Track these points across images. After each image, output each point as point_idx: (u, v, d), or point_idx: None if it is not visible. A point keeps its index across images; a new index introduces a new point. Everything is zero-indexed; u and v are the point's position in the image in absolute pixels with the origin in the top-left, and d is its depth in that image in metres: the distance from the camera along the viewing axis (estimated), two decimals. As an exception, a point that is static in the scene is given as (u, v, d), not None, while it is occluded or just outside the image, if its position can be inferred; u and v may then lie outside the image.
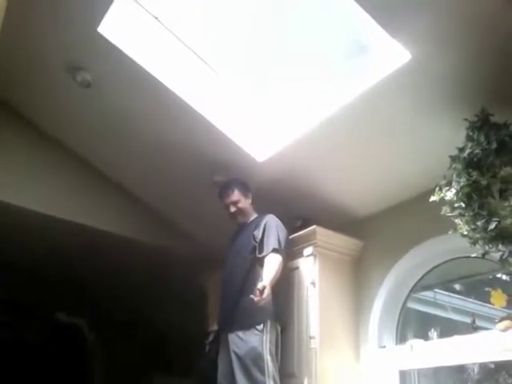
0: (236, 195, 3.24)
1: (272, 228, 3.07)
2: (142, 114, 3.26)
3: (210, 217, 3.85)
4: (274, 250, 2.96)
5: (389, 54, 2.42)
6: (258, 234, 3.08)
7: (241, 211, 3.24)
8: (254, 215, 3.29)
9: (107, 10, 2.63)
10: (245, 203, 3.26)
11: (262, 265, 2.95)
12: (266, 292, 2.67)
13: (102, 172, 3.89)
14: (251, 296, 2.66)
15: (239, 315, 2.87)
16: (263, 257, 2.97)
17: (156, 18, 2.87)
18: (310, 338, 3.00)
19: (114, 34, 2.76)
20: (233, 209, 3.23)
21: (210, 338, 3.19)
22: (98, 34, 2.72)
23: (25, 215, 3.56)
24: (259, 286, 2.69)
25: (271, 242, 3.00)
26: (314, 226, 3.20)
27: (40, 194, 3.59)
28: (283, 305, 3.05)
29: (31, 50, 3.01)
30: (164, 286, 4.87)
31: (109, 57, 2.87)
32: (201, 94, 3.07)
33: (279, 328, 2.96)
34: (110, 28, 2.74)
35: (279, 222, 3.15)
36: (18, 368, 5.45)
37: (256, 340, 2.81)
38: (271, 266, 2.90)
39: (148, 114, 3.25)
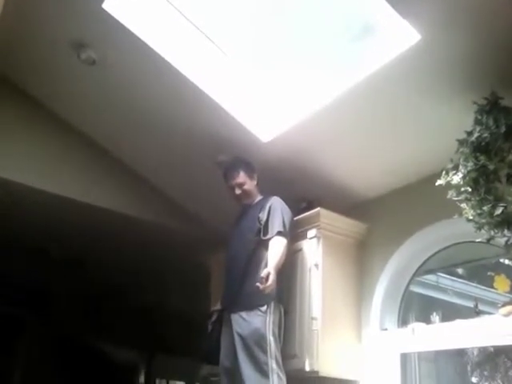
0: (241, 177, 3.21)
1: (277, 210, 3.06)
2: (146, 92, 3.24)
3: (213, 197, 3.85)
4: (279, 233, 2.96)
5: (397, 35, 2.38)
6: (263, 216, 3.06)
7: (246, 193, 3.22)
8: (259, 197, 3.27)
9: (112, -14, 2.60)
10: (250, 185, 3.23)
11: (266, 247, 2.95)
12: (271, 279, 2.67)
13: (105, 150, 3.87)
14: (257, 284, 2.66)
15: (243, 296, 2.88)
16: (268, 239, 2.97)
17: (162, -5, 2.83)
18: (312, 319, 3.01)
19: (120, 11, 2.73)
20: (238, 191, 3.21)
21: (213, 318, 3.20)
22: (103, 10, 2.68)
23: (25, 192, 3.56)
24: (263, 273, 2.69)
25: (276, 224, 2.99)
26: (318, 208, 3.19)
27: (42, 171, 3.58)
28: (286, 286, 3.06)
29: (35, 27, 2.98)
30: (167, 266, 4.89)
31: (114, 34, 2.83)
32: (207, 73, 3.04)
33: (282, 309, 2.97)
34: (115, 4, 2.70)
35: (284, 204, 3.13)
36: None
37: (259, 321, 2.82)
38: (276, 250, 2.90)
39: (153, 93, 3.22)
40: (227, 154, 3.43)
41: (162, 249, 4.49)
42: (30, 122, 3.59)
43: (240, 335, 2.85)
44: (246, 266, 2.99)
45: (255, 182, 3.27)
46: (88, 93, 3.41)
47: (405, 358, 3.11)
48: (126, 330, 5.86)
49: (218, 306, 3.23)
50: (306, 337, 3.00)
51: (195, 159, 3.62)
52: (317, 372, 2.92)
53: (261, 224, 3.06)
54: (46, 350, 5.59)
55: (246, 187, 3.21)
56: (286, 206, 3.13)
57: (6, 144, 3.43)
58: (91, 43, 2.98)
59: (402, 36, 2.35)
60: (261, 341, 2.78)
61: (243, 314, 2.87)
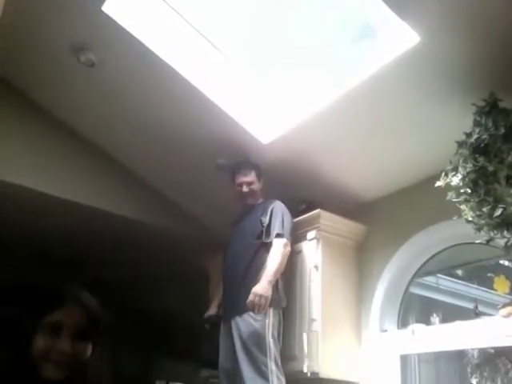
0: (252, 176, 3.26)
1: (278, 213, 3.09)
2: (146, 94, 3.24)
3: (213, 199, 3.85)
4: (278, 235, 2.99)
5: (396, 37, 2.39)
6: (266, 219, 3.09)
7: (252, 193, 3.26)
8: (261, 200, 3.30)
9: (112, -12, 2.60)
10: (257, 186, 3.28)
11: (267, 250, 2.99)
12: (263, 300, 2.75)
13: (105, 152, 3.87)
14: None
15: (243, 300, 2.88)
16: (269, 242, 3.00)
17: (161, -2, 2.83)
18: (312, 320, 3.01)
19: (119, 13, 2.73)
20: (246, 189, 3.24)
21: (212, 320, 3.20)
22: (103, 12, 2.68)
23: (26, 195, 3.56)
24: (250, 296, 2.77)
25: (276, 227, 3.03)
26: (318, 210, 3.19)
27: (41, 173, 3.58)
28: (286, 288, 3.06)
29: (35, 29, 2.98)
30: (166, 268, 4.88)
31: (113, 36, 2.84)
32: (206, 75, 3.04)
33: (281, 312, 2.98)
34: (114, 7, 2.70)
35: (285, 208, 3.16)
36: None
37: (259, 323, 2.83)
38: (273, 259, 2.93)
39: (152, 95, 3.23)
40: (227, 157, 3.43)
41: (161, 251, 4.48)
42: (30, 125, 3.58)
43: (240, 337, 2.85)
44: (247, 269, 3.00)
45: (261, 186, 3.32)
46: (88, 95, 3.41)
47: (405, 359, 3.11)
48: (125, 333, 5.85)
49: (213, 311, 3.23)
50: (306, 338, 3.00)
51: (195, 161, 3.62)
52: (317, 374, 2.92)
53: (263, 227, 3.08)
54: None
55: (253, 187, 3.25)
56: (287, 210, 3.15)
57: (5, 147, 3.43)
58: (91, 45, 2.97)
59: (401, 38, 2.35)
60: (260, 343, 2.79)
61: (243, 316, 2.87)
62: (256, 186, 3.27)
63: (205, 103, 3.07)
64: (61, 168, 3.67)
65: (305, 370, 2.94)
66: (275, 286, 2.94)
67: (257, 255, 3.02)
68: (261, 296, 2.76)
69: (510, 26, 2.12)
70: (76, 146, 3.76)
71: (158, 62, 2.89)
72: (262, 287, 2.80)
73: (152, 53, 2.85)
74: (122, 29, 2.76)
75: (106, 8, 2.67)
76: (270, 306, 2.87)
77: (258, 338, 2.80)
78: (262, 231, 3.08)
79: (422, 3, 2.18)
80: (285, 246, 2.98)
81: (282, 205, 3.17)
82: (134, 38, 2.79)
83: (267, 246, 3.00)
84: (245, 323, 2.86)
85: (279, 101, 3.14)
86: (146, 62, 2.94)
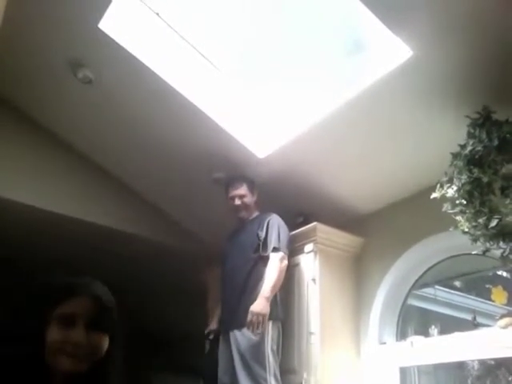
0: (244, 189, 3.28)
1: (274, 227, 3.10)
2: (142, 110, 3.25)
3: (209, 213, 3.85)
4: (274, 249, 3.00)
5: (390, 51, 2.41)
6: (262, 233, 3.10)
7: (245, 206, 3.27)
8: (256, 213, 3.31)
9: (108, 5, 2.62)
10: (250, 199, 3.29)
11: (265, 263, 2.99)
12: (261, 318, 2.76)
13: (101, 167, 3.88)
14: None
15: (241, 313, 2.88)
16: (267, 255, 3.01)
17: (157, 14, 2.86)
18: (311, 333, 3.00)
19: (115, 30, 2.75)
20: (238, 201, 3.26)
21: (211, 335, 3.20)
22: (99, 30, 2.71)
23: (23, 210, 3.56)
24: (248, 316, 2.77)
25: (272, 241, 3.04)
26: (315, 223, 3.20)
27: (40, 189, 3.58)
28: (284, 301, 3.06)
29: (32, 46, 3.00)
30: (163, 283, 4.87)
31: (110, 53, 2.86)
32: (202, 90, 3.06)
33: (280, 326, 2.97)
34: (111, 24, 2.73)
35: (281, 221, 3.17)
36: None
37: (258, 337, 2.83)
38: (270, 275, 2.94)
39: (149, 110, 3.24)
40: (223, 171, 3.45)
41: (158, 265, 4.48)
42: (27, 141, 3.59)
43: (239, 351, 2.84)
44: (246, 282, 3.00)
45: (255, 199, 3.33)
46: (85, 111, 3.42)
47: (404, 371, 3.10)
48: (123, 347, 5.81)
49: (213, 326, 3.23)
50: (305, 351, 2.99)
51: (191, 175, 3.63)
52: (316, 387, 2.91)
53: (260, 240, 3.09)
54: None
55: (246, 200, 3.26)
56: (283, 223, 3.16)
57: (2, 163, 3.43)
58: (87, 62, 3.00)
59: (395, 52, 2.38)
60: (259, 357, 2.78)
61: (242, 329, 2.87)
62: (249, 200, 3.28)
63: (201, 118, 3.09)
64: (58, 184, 3.68)
65: (304, 384, 2.93)
66: (274, 299, 2.94)
67: (254, 269, 3.02)
68: (258, 314, 2.76)
69: (503, 38, 2.14)
70: (73, 162, 3.77)
71: (154, 78, 2.91)
72: (258, 305, 2.80)
73: (148, 69, 2.88)
74: (119, 46, 2.78)
75: (102, 25, 2.70)
76: (270, 319, 2.87)
77: (256, 352, 2.80)
78: (259, 245, 3.08)
79: (414, 17, 2.20)
80: (281, 259, 2.98)
81: (278, 218, 3.18)
82: (131, 54, 2.81)
83: (265, 260, 3.01)
84: (243, 337, 2.86)
85: (275, 115, 3.17)
86: (142, 79, 2.96)
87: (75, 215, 3.70)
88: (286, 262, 3.01)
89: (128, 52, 2.81)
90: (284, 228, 3.14)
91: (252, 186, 3.32)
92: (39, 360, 1.12)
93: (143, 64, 2.86)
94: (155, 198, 4.07)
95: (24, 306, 1.20)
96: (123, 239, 4.05)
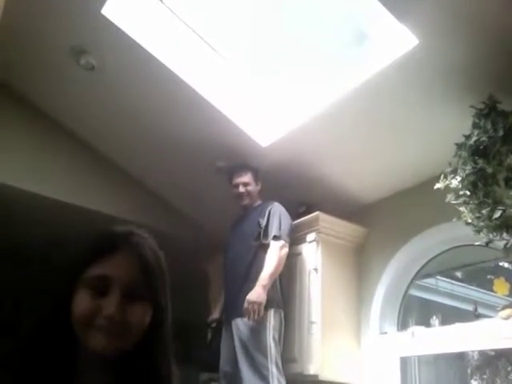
0: (248, 177, 3.28)
1: (275, 215, 3.10)
2: (145, 97, 3.24)
3: (212, 202, 3.85)
4: (275, 237, 2.99)
5: (395, 40, 2.39)
6: (263, 221, 3.10)
7: (248, 194, 3.27)
8: (259, 202, 3.31)
9: (111, -9, 2.60)
10: (254, 188, 3.30)
11: (266, 251, 2.98)
12: (256, 307, 2.75)
13: (103, 155, 3.87)
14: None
15: (243, 302, 2.88)
16: (268, 243, 3.00)
17: (161, 1, 2.84)
18: (312, 323, 3.01)
19: (118, 17, 2.73)
20: (242, 189, 3.26)
21: (213, 324, 3.21)
22: (102, 16, 2.69)
23: (26, 197, 3.56)
24: (245, 304, 2.76)
25: (273, 229, 3.03)
26: (317, 212, 3.19)
27: (43, 177, 3.58)
28: (286, 290, 3.07)
29: (34, 32, 2.98)
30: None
31: (113, 39, 2.84)
32: (205, 78, 3.05)
33: (282, 314, 2.98)
34: (114, 10, 2.70)
35: (283, 209, 3.16)
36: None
37: (259, 326, 2.83)
38: (268, 263, 2.93)
39: (152, 98, 3.23)
40: (226, 160, 3.44)
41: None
42: (29, 128, 3.59)
43: (240, 340, 2.85)
44: (247, 270, 3.00)
45: (258, 188, 3.33)
46: (87, 98, 3.41)
47: (405, 361, 3.11)
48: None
49: (216, 315, 3.24)
50: (306, 341, 3.00)
51: (194, 164, 3.63)
52: (316, 376, 2.92)
53: (261, 228, 3.09)
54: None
55: (249, 188, 3.27)
56: (285, 211, 3.15)
57: (4, 150, 3.43)
58: (90, 49, 2.98)
59: (400, 40, 2.36)
60: (261, 345, 2.79)
61: (244, 319, 2.87)
62: (252, 188, 3.28)
63: (204, 106, 3.08)
64: (60, 171, 3.68)
65: (305, 373, 2.94)
66: (276, 288, 2.94)
67: (256, 257, 3.02)
68: (254, 303, 2.76)
69: (509, 28, 2.12)
70: (75, 150, 3.76)
71: (158, 66, 2.89)
72: (254, 293, 2.79)
73: (151, 56, 2.86)
74: (122, 32, 2.76)
75: (105, 11, 2.68)
76: (271, 307, 2.87)
77: (258, 341, 2.80)
78: (260, 232, 3.08)
79: (420, 6, 2.18)
80: (281, 248, 2.98)
81: (280, 206, 3.17)
82: (134, 41, 2.79)
83: (265, 248, 3.00)
84: (245, 325, 2.86)
85: (278, 104, 3.15)
86: (145, 66, 2.95)
87: (77, 203, 3.70)
88: (286, 250, 3.01)
89: (131, 39, 2.79)
90: (286, 216, 3.13)
91: (256, 174, 3.32)
92: (65, 337, 0.90)
93: (146, 51, 2.84)
94: (157, 186, 4.07)
95: (48, 269, 0.98)
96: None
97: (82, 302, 0.90)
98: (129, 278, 0.92)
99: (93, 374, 0.91)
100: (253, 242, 3.08)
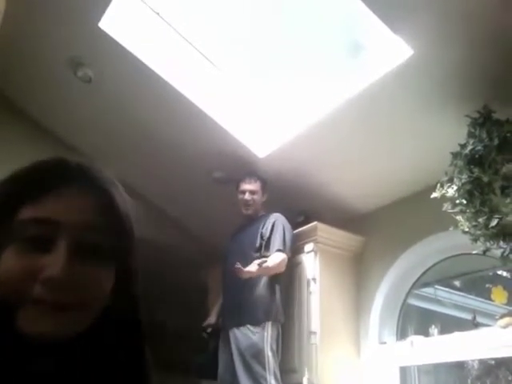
0: (256, 186, 3.25)
1: (279, 228, 3.09)
2: (142, 109, 3.25)
3: (210, 212, 3.85)
4: (278, 251, 2.98)
5: (390, 50, 2.41)
6: (266, 232, 3.09)
7: (254, 203, 3.24)
8: (262, 213, 3.29)
9: (108, 4, 2.62)
10: (260, 198, 3.27)
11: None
12: (248, 273, 2.76)
13: (101, 166, 3.87)
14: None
15: (242, 311, 2.88)
16: (268, 256, 2.99)
17: (157, 14, 2.86)
18: (311, 333, 3.00)
19: (116, 30, 2.76)
20: (248, 196, 3.23)
21: (209, 329, 3.20)
22: (99, 29, 2.71)
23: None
24: (237, 265, 2.75)
25: (277, 242, 3.02)
26: (315, 222, 3.20)
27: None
28: (284, 301, 3.06)
29: (32, 44, 3.00)
30: (163, 282, 4.86)
31: (110, 52, 2.86)
32: (202, 89, 3.06)
33: (280, 324, 2.97)
34: (111, 23, 2.73)
35: (287, 222, 3.15)
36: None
37: (257, 336, 2.83)
38: (271, 259, 2.92)
39: (148, 109, 3.24)
40: (223, 170, 3.44)
41: (159, 264, 4.47)
42: (27, 140, 3.58)
43: (238, 350, 2.84)
44: (246, 281, 2.98)
45: (264, 199, 3.30)
46: (85, 111, 3.42)
47: (404, 371, 3.09)
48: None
49: (212, 320, 3.22)
50: (305, 351, 2.99)
51: (192, 175, 3.63)
52: (316, 386, 2.91)
53: (263, 240, 3.08)
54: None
55: (255, 197, 3.24)
56: (288, 225, 3.14)
57: (2, 159, 3.42)
58: (88, 61, 2.99)
59: (395, 51, 2.38)
60: (259, 356, 2.78)
61: (242, 328, 2.87)
62: (258, 197, 3.25)
63: (201, 117, 3.09)
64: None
65: (304, 383, 2.92)
66: (273, 299, 2.94)
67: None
68: (241, 271, 2.74)
69: (504, 37, 2.14)
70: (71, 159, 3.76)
71: (155, 78, 2.91)
72: (246, 269, 2.78)
73: (148, 68, 2.87)
74: (119, 45, 2.78)
75: (102, 24, 2.70)
76: (269, 320, 2.87)
77: (256, 352, 2.80)
78: (262, 244, 3.07)
79: (414, 18, 2.20)
80: (283, 260, 2.97)
81: (284, 219, 3.16)
82: (130, 53, 2.81)
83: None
84: (243, 336, 2.86)
85: (275, 114, 3.17)
86: (142, 78, 2.96)
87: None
88: (285, 262, 3.00)
89: (128, 51, 2.81)
90: (289, 230, 3.12)
91: (265, 185, 3.30)
92: None
93: (143, 63, 2.86)
94: (155, 196, 4.07)
95: None
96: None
97: (10, 261, 0.58)
98: (83, 223, 0.61)
99: (35, 368, 0.59)
100: (253, 253, 3.07)
